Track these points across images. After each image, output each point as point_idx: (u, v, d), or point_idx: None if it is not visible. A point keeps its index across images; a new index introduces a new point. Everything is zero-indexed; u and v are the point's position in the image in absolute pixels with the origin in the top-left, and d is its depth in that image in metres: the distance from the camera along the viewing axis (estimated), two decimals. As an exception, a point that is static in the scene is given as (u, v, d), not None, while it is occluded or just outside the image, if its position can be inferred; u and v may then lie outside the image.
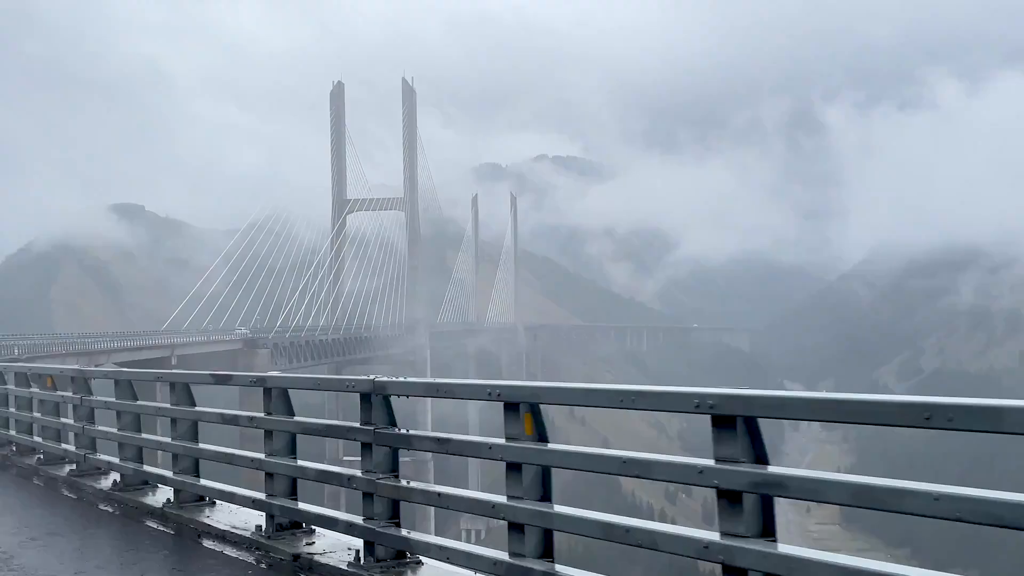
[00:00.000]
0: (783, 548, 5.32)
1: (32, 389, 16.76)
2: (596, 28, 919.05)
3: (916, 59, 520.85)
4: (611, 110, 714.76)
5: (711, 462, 5.63)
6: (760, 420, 5.52)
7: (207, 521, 10.90)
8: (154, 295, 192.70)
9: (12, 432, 17.81)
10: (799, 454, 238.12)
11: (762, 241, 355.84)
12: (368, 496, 8.30)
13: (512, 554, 6.77)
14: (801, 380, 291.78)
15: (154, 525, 11.41)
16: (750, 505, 5.45)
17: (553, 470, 6.77)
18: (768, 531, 5.48)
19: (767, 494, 5.42)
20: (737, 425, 5.42)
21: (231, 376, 11.28)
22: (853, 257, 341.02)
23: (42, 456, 16.42)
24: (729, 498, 5.52)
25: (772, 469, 5.45)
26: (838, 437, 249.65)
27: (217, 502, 11.48)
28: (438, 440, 7.91)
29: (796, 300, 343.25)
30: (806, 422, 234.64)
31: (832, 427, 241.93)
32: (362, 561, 8.28)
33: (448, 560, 7.51)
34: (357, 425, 8.44)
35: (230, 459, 11.07)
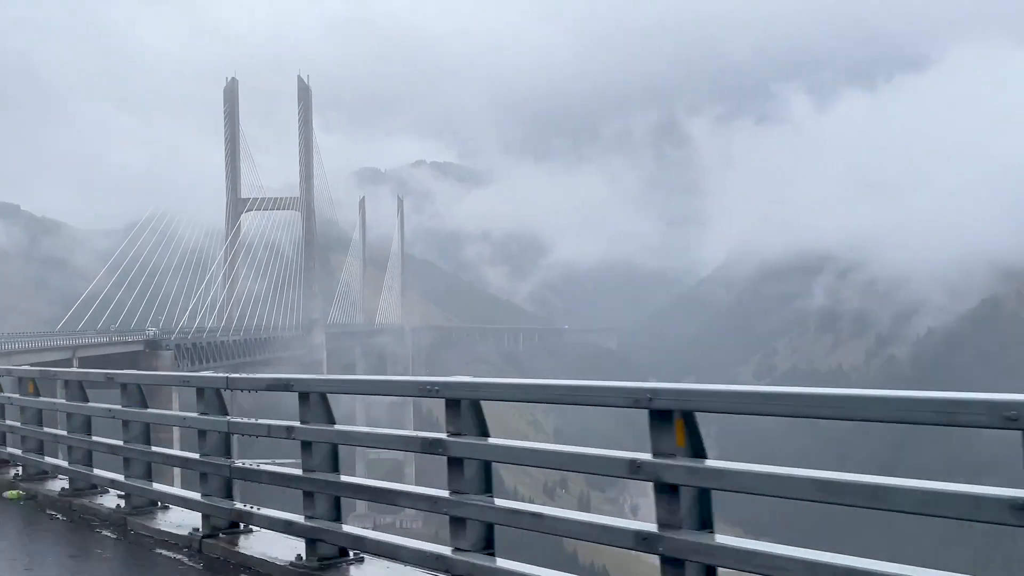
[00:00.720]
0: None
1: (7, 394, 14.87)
2: (472, 37, 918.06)
3: (771, 76, 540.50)
4: (488, 118, 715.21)
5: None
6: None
7: (244, 551, 9.05)
8: (31, 295, 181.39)
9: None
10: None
11: (628, 246, 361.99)
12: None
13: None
14: (665, 377, 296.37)
15: (169, 554, 9.65)
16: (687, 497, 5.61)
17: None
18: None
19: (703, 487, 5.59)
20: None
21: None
22: (712, 262, 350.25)
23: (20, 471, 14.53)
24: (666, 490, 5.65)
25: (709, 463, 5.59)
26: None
27: (253, 529, 9.52)
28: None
29: (659, 302, 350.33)
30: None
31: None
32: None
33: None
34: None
35: (270, 477, 9.12)
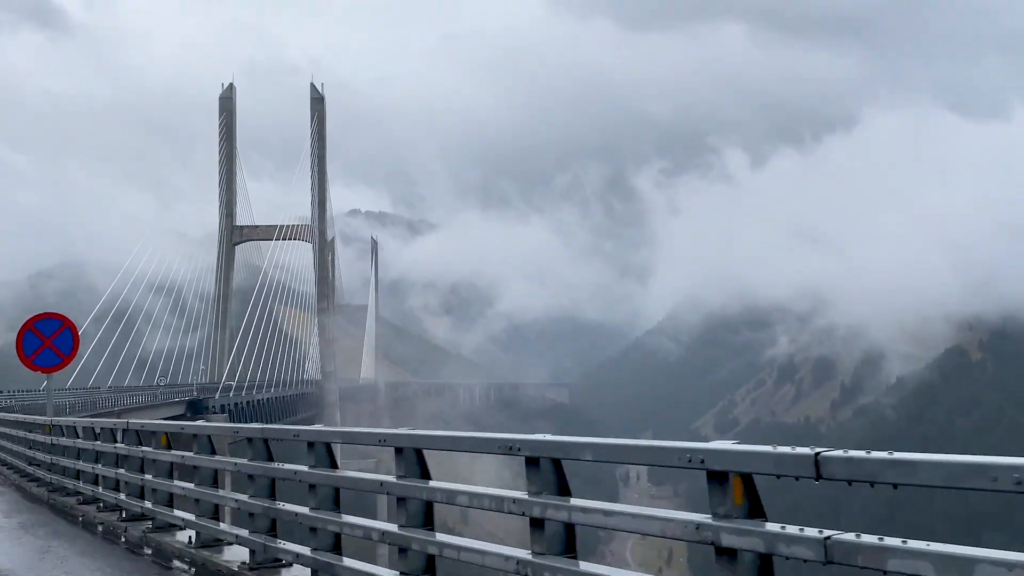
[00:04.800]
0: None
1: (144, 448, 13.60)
2: (402, 88, 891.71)
3: (709, 132, 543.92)
4: (423, 168, 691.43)
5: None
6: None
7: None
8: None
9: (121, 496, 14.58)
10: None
11: (573, 297, 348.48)
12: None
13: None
14: (623, 433, 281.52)
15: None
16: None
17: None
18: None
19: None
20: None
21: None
22: (655, 314, 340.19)
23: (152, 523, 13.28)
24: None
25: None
26: (668, 492, 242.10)
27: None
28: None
29: (606, 354, 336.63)
30: (634, 481, 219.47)
31: (662, 482, 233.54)
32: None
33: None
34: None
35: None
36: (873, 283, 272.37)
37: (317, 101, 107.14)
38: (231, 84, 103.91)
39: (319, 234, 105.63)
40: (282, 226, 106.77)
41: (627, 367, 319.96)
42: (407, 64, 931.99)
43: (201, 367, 76.21)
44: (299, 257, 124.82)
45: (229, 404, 66.52)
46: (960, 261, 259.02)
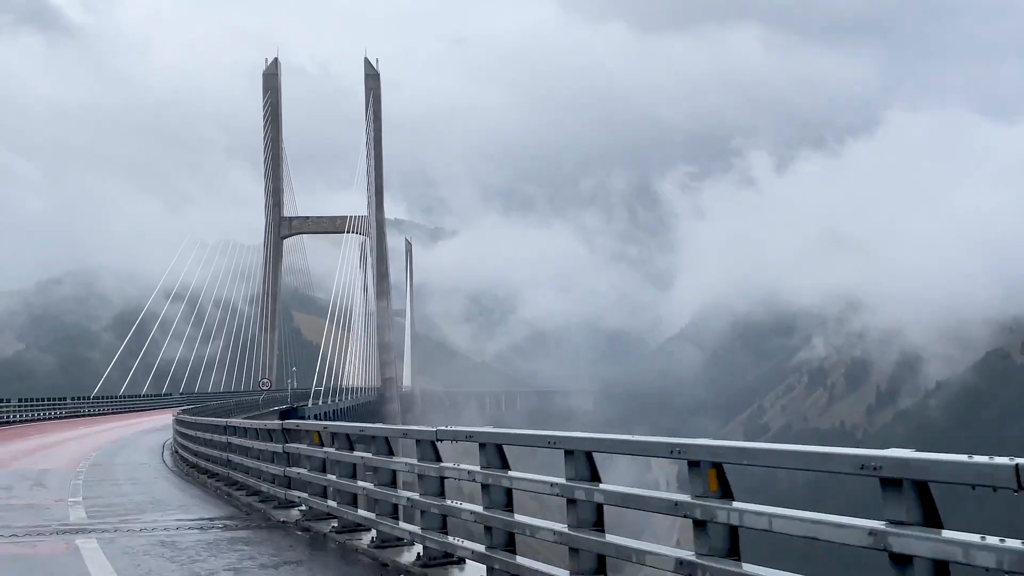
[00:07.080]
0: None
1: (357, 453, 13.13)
2: (410, 93, 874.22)
3: (734, 136, 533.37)
4: (442, 173, 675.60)
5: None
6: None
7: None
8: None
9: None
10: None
11: (596, 303, 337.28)
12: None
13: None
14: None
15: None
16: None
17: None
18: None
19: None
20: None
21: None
22: (678, 321, 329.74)
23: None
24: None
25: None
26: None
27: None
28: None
29: (626, 361, 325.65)
30: (664, 484, 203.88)
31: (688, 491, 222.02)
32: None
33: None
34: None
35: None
36: (906, 286, 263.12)
37: (372, 78, 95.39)
38: (275, 59, 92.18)
39: (376, 225, 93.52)
40: (346, 216, 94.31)
41: (650, 374, 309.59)
42: (417, 70, 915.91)
43: (292, 369, 65.42)
44: (345, 259, 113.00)
45: (319, 413, 56.09)
46: (997, 263, 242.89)
